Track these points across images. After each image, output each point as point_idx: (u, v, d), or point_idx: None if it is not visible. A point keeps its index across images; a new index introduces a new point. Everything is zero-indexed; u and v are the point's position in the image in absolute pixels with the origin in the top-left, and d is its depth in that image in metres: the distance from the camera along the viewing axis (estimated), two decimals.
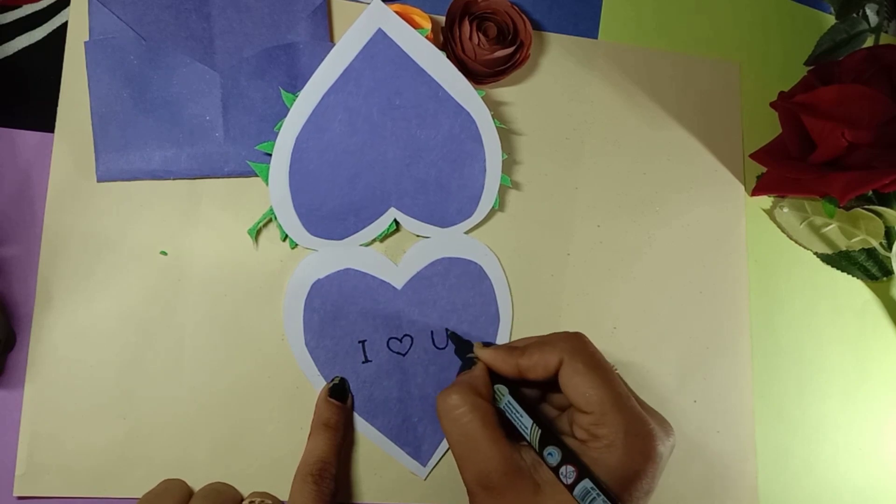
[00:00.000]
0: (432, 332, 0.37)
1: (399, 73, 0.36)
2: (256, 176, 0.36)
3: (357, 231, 0.37)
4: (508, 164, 0.40)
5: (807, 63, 0.45)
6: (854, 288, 0.46)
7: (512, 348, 0.33)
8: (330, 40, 0.38)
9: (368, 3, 0.36)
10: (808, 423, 0.44)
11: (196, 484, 0.34)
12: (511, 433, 0.31)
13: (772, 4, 0.47)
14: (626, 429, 0.29)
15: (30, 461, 0.33)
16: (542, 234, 0.40)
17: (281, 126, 0.35)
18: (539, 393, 0.35)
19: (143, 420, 0.34)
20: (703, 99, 0.45)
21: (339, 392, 0.36)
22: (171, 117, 0.35)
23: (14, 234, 0.34)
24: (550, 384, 0.32)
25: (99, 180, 0.35)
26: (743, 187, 0.45)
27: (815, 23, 0.48)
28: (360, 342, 0.37)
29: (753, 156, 0.43)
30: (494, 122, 0.38)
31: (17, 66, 0.35)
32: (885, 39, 0.46)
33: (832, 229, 0.44)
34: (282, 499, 0.35)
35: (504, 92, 0.41)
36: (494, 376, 0.33)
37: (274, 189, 0.35)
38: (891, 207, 0.41)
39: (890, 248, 0.43)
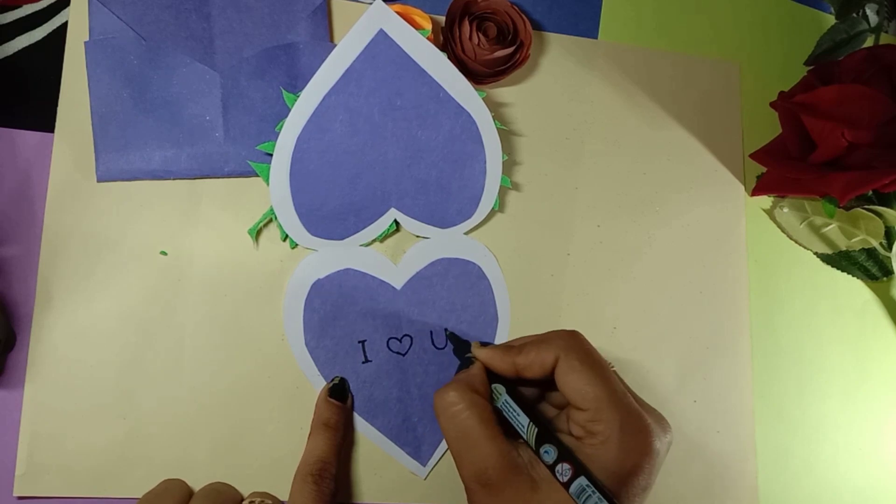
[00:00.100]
0: (432, 333, 0.37)
1: (400, 74, 0.36)
2: (256, 176, 0.36)
3: (357, 231, 0.37)
4: (508, 165, 0.40)
5: (807, 63, 0.45)
6: (854, 288, 0.46)
7: (509, 347, 0.33)
8: (330, 40, 0.38)
9: (369, 4, 0.36)
10: (808, 423, 0.44)
11: (196, 484, 0.34)
12: (508, 432, 0.31)
13: (772, 4, 0.47)
14: (621, 425, 0.29)
15: (30, 461, 0.33)
16: (541, 234, 0.40)
17: (282, 126, 0.35)
18: (538, 392, 0.35)
19: (143, 420, 0.34)
20: (703, 99, 0.45)
21: (339, 392, 0.36)
22: (171, 117, 0.35)
23: (14, 234, 0.34)
24: (549, 383, 0.32)
25: (99, 180, 0.35)
26: (743, 187, 0.45)
27: (815, 23, 0.48)
28: (360, 342, 0.37)
29: (753, 156, 0.43)
30: (495, 123, 0.38)
31: (17, 66, 0.35)
32: (885, 39, 0.46)
33: (832, 229, 0.44)
34: (282, 499, 0.35)
35: (504, 92, 0.41)
36: (492, 376, 0.33)
37: (274, 189, 0.35)
38: (891, 207, 0.41)
39: (890, 248, 0.43)
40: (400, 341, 0.37)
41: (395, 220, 0.37)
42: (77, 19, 0.35)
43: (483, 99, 0.38)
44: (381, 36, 0.36)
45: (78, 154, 0.35)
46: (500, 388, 0.33)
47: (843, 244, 0.44)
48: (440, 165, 0.37)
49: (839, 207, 0.42)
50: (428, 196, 0.37)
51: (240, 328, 0.36)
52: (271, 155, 0.35)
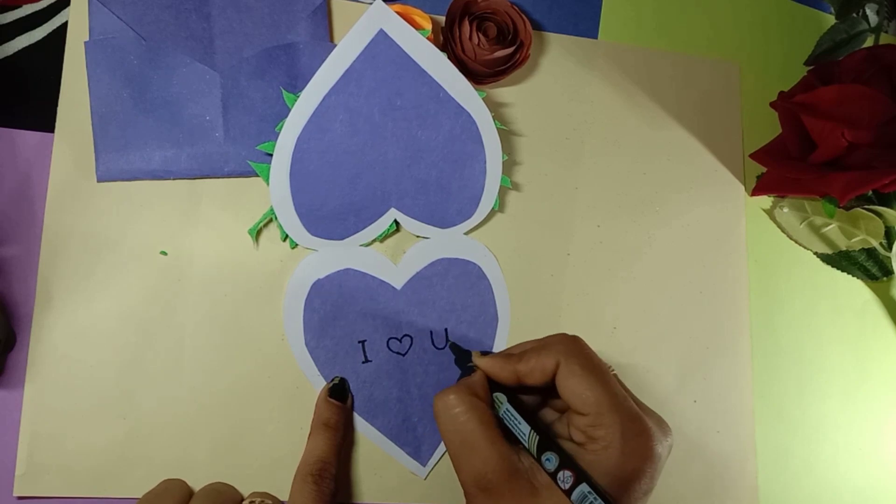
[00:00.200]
0: (432, 333, 0.38)
1: (400, 74, 0.36)
2: (256, 176, 0.36)
3: (357, 231, 0.37)
4: (508, 165, 0.40)
5: (807, 63, 0.45)
6: (854, 288, 0.46)
7: (509, 355, 0.33)
8: (330, 40, 0.38)
9: (369, 4, 0.36)
10: (808, 423, 0.44)
11: (196, 484, 0.34)
12: (510, 440, 0.31)
13: (772, 4, 0.47)
14: (622, 429, 0.29)
15: (30, 461, 0.33)
16: (542, 234, 0.40)
17: (282, 126, 0.35)
18: (539, 399, 0.35)
19: (143, 420, 0.34)
20: (703, 99, 0.45)
21: (339, 392, 0.36)
22: (171, 117, 0.35)
23: (14, 234, 0.34)
24: (550, 390, 0.32)
25: (99, 180, 0.35)
26: (743, 187, 0.45)
27: (815, 23, 0.48)
28: (360, 342, 0.37)
29: (753, 156, 0.43)
30: (495, 123, 0.38)
31: (17, 66, 0.35)
32: (885, 39, 0.46)
33: (832, 229, 0.44)
34: (282, 499, 0.35)
35: (504, 92, 0.41)
36: (493, 385, 0.33)
37: (274, 189, 0.35)
38: (891, 207, 0.41)
39: (890, 248, 0.43)
40: (400, 341, 0.37)
41: (395, 220, 0.37)
42: (77, 19, 0.35)
43: (483, 99, 0.38)
44: (381, 36, 0.36)
45: (78, 154, 0.35)
46: (501, 397, 0.33)
47: (843, 244, 0.44)
48: (440, 165, 0.37)
49: (839, 207, 0.42)
50: (428, 196, 0.37)
51: (240, 328, 0.36)
52: (271, 155, 0.35)
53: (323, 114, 0.35)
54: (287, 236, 0.36)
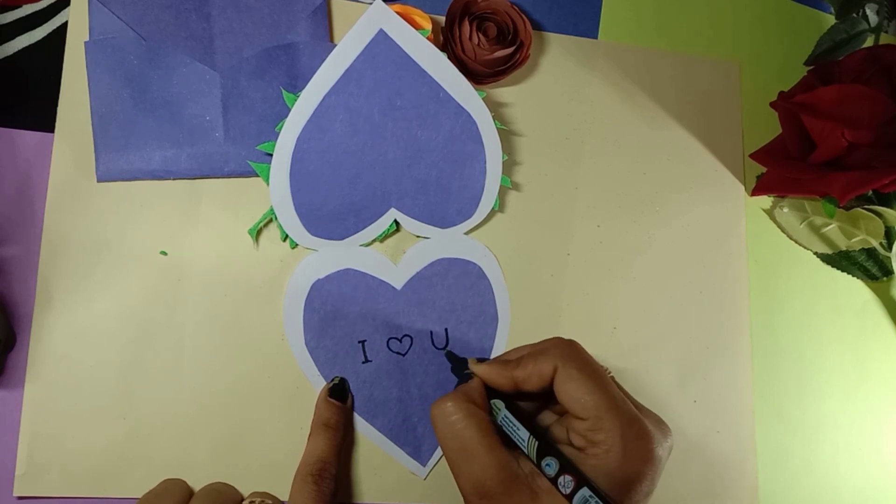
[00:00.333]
0: (432, 333, 0.37)
1: (400, 74, 0.36)
2: (256, 176, 0.36)
3: (357, 231, 0.37)
4: (508, 165, 0.40)
5: (807, 63, 0.45)
6: (854, 288, 0.46)
7: (506, 361, 0.33)
8: (330, 40, 0.38)
9: (369, 4, 0.36)
10: (808, 423, 0.44)
11: (196, 484, 0.34)
12: (509, 447, 0.31)
13: (772, 4, 0.47)
14: (622, 433, 0.29)
15: (30, 461, 0.33)
16: (542, 234, 0.40)
17: (282, 126, 0.35)
18: (536, 405, 0.34)
19: (143, 420, 0.34)
20: (703, 99, 0.45)
21: (339, 392, 0.36)
22: (171, 117, 0.35)
23: (14, 234, 0.34)
24: (548, 395, 0.32)
25: (99, 180, 0.35)
26: (743, 187, 0.45)
27: (815, 23, 0.48)
28: (360, 342, 0.37)
29: (753, 156, 0.43)
30: (495, 123, 0.38)
31: (17, 66, 0.35)
32: (885, 39, 0.46)
33: (832, 229, 0.44)
34: (282, 499, 0.35)
35: (504, 92, 0.41)
36: (491, 392, 0.33)
37: (274, 189, 0.35)
38: (891, 207, 0.41)
39: (890, 248, 0.43)
40: (400, 341, 0.37)
41: (395, 220, 0.37)
42: (77, 19, 0.35)
43: (483, 99, 0.38)
44: (381, 36, 0.36)
45: (78, 154, 0.35)
46: (499, 404, 0.33)
47: (843, 244, 0.44)
48: (440, 165, 0.37)
49: (839, 207, 0.42)
50: (428, 196, 0.37)
51: (240, 328, 0.36)
52: (271, 155, 0.35)
53: (323, 114, 0.35)
54: (287, 236, 0.36)
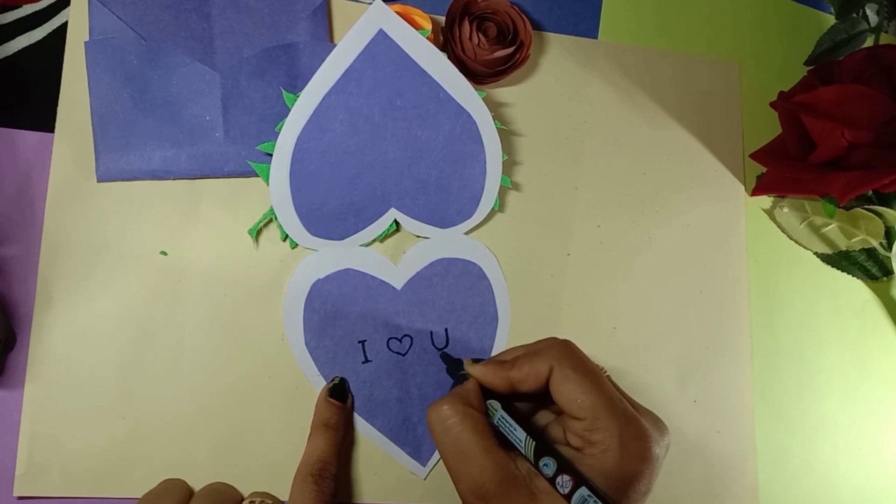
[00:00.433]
0: (432, 333, 0.37)
1: (400, 74, 0.36)
2: (256, 176, 0.36)
3: (357, 231, 0.37)
4: (508, 165, 0.40)
5: (807, 63, 0.45)
6: (854, 288, 0.46)
7: (501, 362, 0.33)
8: (330, 40, 0.38)
9: (369, 4, 0.36)
10: (808, 423, 0.44)
11: (196, 484, 0.34)
12: (506, 448, 0.31)
13: (772, 4, 0.47)
14: (619, 432, 0.29)
15: (30, 461, 0.33)
16: (542, 234, 0.40)
17: (282, 126, 0.35)
18: (532, 405, 0.34)
19: (143, 420, 0.34)
20: (703, 99, 0.45)
21: (339, 392, 0.35)
22: (171, 117, 0.35)
23: (14, 234, 0.34)
24: (544, 395, 0.32)
25: (99, 180, 0.35)
26: (743, 187, 0.45)
27: (815, 23, 0.48)
28: (359, 342, 0.37)
29: (753, 156, 0.43)
30: (495, 123, 0.38)
31: (17, 66, 0.35)
32: (885, 39, 0.46)
33: (832, 229, 0.44)
34: (282, 499, 0.35)
35: (504, 92, 0.41)
36: (487, 393, 0.33)
37: (274, 189, 0.35)
38: (891, 207, 0.41)
39: (890, 248, 0.43)
40: (400, 341, 0.37)
41: (395, 220, 0.37)
42: (77, 19, 0.35)
43: (483, 99, 0.38)
44: (381, 36, 0.36)
45: (78, 154, 0.35)
46: (495, 404, 0.33)
47: (843, 244, 0.44)
48: (440, 165, 0.37)
49: (839, 207, 0.42)
50: (428, 196, 0.37)
51: (240, 328, 0.36)
52: (271, 155, 0.35)
53: (323, 114, 0.35)
54: (287, 236, 0.36)
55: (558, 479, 0.29)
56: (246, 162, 0.36)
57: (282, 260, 0.37)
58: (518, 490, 0.29)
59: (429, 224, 0.38)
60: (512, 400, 0.33)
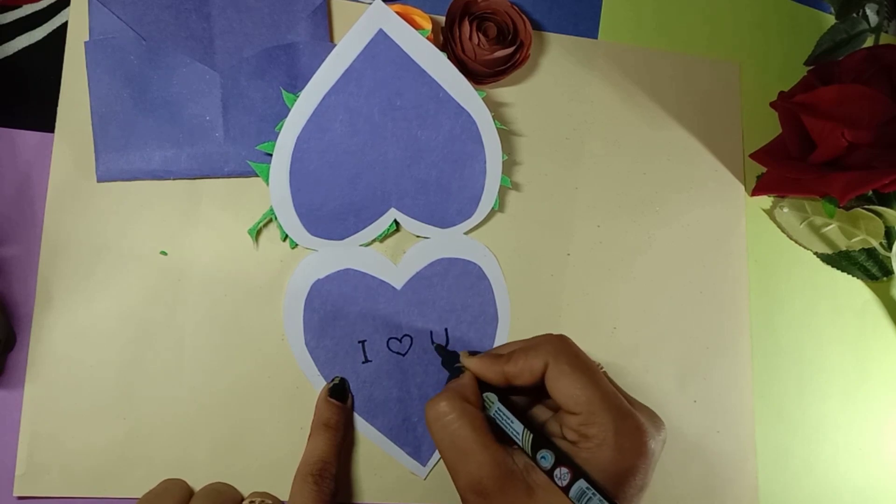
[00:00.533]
0: (432, 333, 0.37)
1: (400, 74, 0.36)
2: (256, 176, 0.36)
3: (357, 231, 0.37)
4: (508, 165, 0.40)
5: (807, 63, 0.45)
6: (854, 288, 0.46)
7: (497, 356, 0.33)
8: (330, 40, 0.38)
9: (369, 4, 0.36)
10: (808, 423, 0.44)
11: (196, 484, 0.34)
12: (502, 441, 0.31)
13: (772, 4, 0.47)
14: (615, 427, 0.29)
15: (30, 461, 0.33)
16: (542, 234, 0.40)
17: (282, 126, 0.35)
18: (530, 398, 0.35)
19: (143, 420, 0.34)
20: (703, 99, 0.45)
21: (339, 392, 0.36)
22: (171, 117, 0.35)
23: (14, 234, 0.34)
24: (540, 389, 0.32)
25: (99, 180, 0.35)
26: (743, 187, 0.45)
27: (815, 23, 0.48)
28: (359, 342, 0.37)
29: (753, 156, 0.43)
30: (495, 123, 0.38)
31: (17, 66, 0.35)
32: (885, 39, 0.46)
33: (832, 229, 0.44)
34: (282, 499, 0.35)
35: (504, 92, 0.41)
36: (483, 385, 0.33)
37: (274, 189, 0.35)
38: (891, 207, 0.41)
39: (890, 248, 0.43)
40: (400, 341, 0.37)
41: (395, 220, 0.37)
42: (77, 19, 0.35)
43: (483, 99, 0.38)
44: (381, 36, 0.36)
45: (78, 154, 0.35)
46: (491, 397, 0.33)
47: (843, 244, 0.44)
48: (440, 165, 0.37)
49: (839, 207, 0.42)
50: (428, 196, 0.37)
51: (240, 328, 0.36)
52: (271, 155, 0.35)
53: (323, 114, 0.35)
54: (287, 236, 0.36)
55: (556, 472, 0.29)
56: (246, 162, 0.36)
57: (282, 260, 0.37)
58: (515, 485, 0.29)
59: (429, 224, 0.38)
60: (508, 394, 0.33)
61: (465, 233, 0.39)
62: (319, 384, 0.36)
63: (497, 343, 0.39)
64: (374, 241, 0.37)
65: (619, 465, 0.28)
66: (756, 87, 0.46)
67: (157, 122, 0.35)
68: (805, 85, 0.41)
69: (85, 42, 0.35)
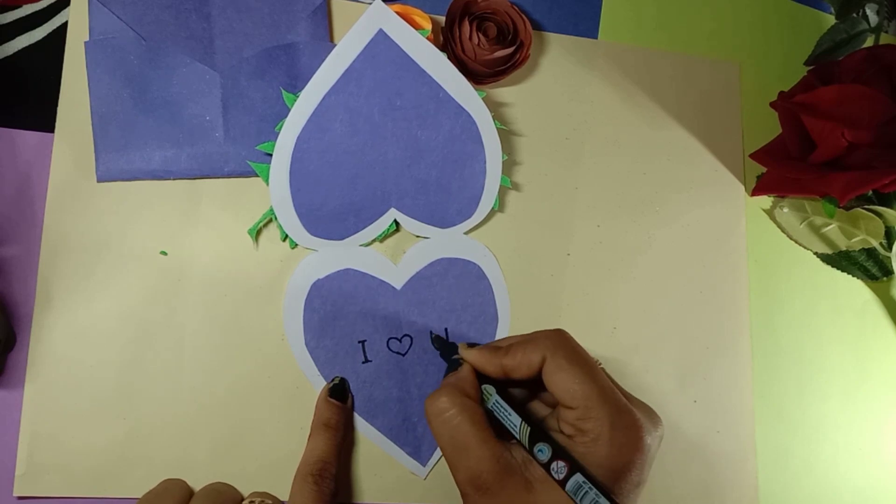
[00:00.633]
0: (432, 333, 0.37)
1: (400, 74, 0.36)
2: (256, 176, 0.36)
3: (357, 231, 0.37)
4: (508, 165, 0.40)
5: (807, 63, 0.45)
6: (854, 288, 0.46)
7: (496, 348, 0.33)
8: (330, 40, 0.38)
9: (369, 4, 0.36)
10: (808, 423, 0.44)
11: (196, 484, 0.34)
12: (500, 433, 0.31)
13: (772, 4, 0.47)
14: (611, 422, 0.29)
15: (30, 461, 0.33)
16: (542, 234, 0.40)
17: (282, 126, 0.35)
18: (527, 392, 0.35)
19: (143, 420, 0.34)
20: (703, 99, 0.45)
21: (339, 392, 0.36)
22: (171, 117, 0.35)
23: (14, 234, 0.34)
24: (538, 382, 0.32)
25: (99, 180, 0.35)
26: (743, 187, 0.45)
27: (815, 23, 0.48)
28: (359, 342, 0.37)
29: (753, 156, 0.43)
30: (495, 123, 0.38)
31: (17, 66, 0.35)
32: (885, 39, 0.46)
33: (832, 229, 0.44)
34: (282, 499, 0.35)
35: (504, 92, 0.41)
36: (481, 377, 0.33)
37: (274, 189, 0.35)
38: (891, 207, 0.41)
39: (890, 248, 0.43)
40: (400, 341, 0.37)
41: (395, 220, 0.37)
42: (77, 19, 0.35)
43: (483, 99, 0.38)
44: (381, 36, 0.36)
45: (78, 154, 0.35)
46: (490, 389, 0.33)
47: (843, 244, 0.44)
48: (440, 165, 0.37)
49: (839, 207, 0.42)
50: (428, 196, 0.37)
51: (240, 328, 0.36)
52: (271, 155, 0.35)
53: (322, 114, 0.35)
54: (287, 236, 0.36)
55: (553, 465, 0.29)
56: (246, 162, 0.36)
57: (282, 260, 0.37)
58: (513, 479, 0.29)
59: (429, 224, 0.38)
60: (506, 386, 0.33)
61: (465, 233, 0.39)
62: (319, 384, 0.36)
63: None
64: (374, 241, 0.37)
65: (615, 461, 0.29)
66: (756, 87, 0.46)
67: (157, 122, 0.35)
68: (805, 85, 0.41)
69: (85, 42, 0.35)
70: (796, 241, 0.45)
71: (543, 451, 0.29)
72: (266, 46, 0.36)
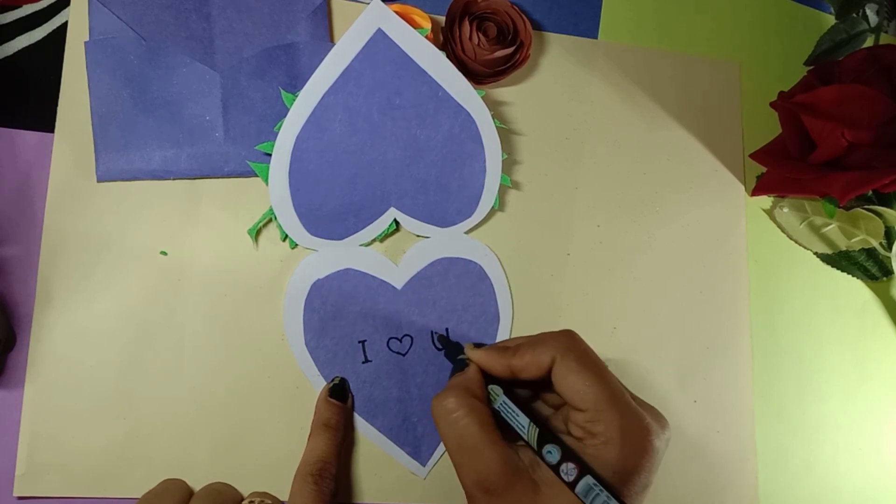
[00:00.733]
0: (432, 333, 0.37)
1: (399, 73, 0.36)
2: (256, 176, 0.36)
3: (357, 231, 0.37)
4: (508, 164, 0.40)
5: (807, 63, 0.45)
6: (854, 288, 0.46)
7: (503, 348, 0.33)
8: (330, 40, 0.38)
9: (368, 3, 0.36)
10: (808, 423, 0.44)
11: (196, 484, 0.34)
12: (507, 434, 0.31)
13: (772, 4, 0.47)
14: (621, 425, 0.29)
15: (30, 461, 0.33)
16: (542, 234, 0.40)
17: (281, 126, 0.35)
18: (531, 392, 0.35)
19: (143, 420, 0.34)
20: (703, 99, 0.45)
21: (339, 392, 0.36)
22: (171, 117, 0.35)
23: (14, 234, 0.34)
24: (543, 383, 0.32)
25: (99, 180, 0.35)
26: (743, 187, 0.45)
27: (815, 23, 0.48)
28: (360, 342, 0.37)
29: (753, 156, 0.43)
30: (494, 122, 0.38)
31: (17, 66, 0.35)
32: (885, 39, 0.46)
33: (832, 229, 0.44)
34: (282, 499, 0.35)
35: (504, 92, 0.41)
36: (487, 377, 0.33)
37: (274, 189, 0.35)
38: (891, 207, 0.41)
39: (890, 248, 0.43)
40: (400, 341, 0.37)
41: (395, 220, 0.37)
42: (77, 19, 0.35)
43: (482, 98, 0.38)
44: (380, 35, 0.36)
45: (78, 154, 0.35)
46: (497, 390, 0.33)
47: (843, 244, 0.44)
48: (440, 164, 0.37)
49: (839, 207, 0.42)
50: (428, 195, 0.37)
51: (240, 328, 0.36)
52: (271, 155, 0.35)
53: (322, 113, 0.35)
54: (287, 236, 0.36)
55: (562, 467, 0.29)
56: (246, 162, 0.36)
57: (282, 260, 0.37)
58: (521, 482, 0.29)
59: (429, 223, 0.38)
60: (511, 387, 0.33)
61: (466, 232, 0.39)
62: (319, 384, 0.36)
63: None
64: (374, 240, 0.37)
65: (624, 464, 0.28)
66: (756, 87, 0.46)
67: (157, 122, 0.35)
68: (805, 85, 0.41)
69: (85, 42, 0.35)
70: (796, 241, 0.45)
71: (552, 453, 0.29)
72: (266, 46, 0.36)
